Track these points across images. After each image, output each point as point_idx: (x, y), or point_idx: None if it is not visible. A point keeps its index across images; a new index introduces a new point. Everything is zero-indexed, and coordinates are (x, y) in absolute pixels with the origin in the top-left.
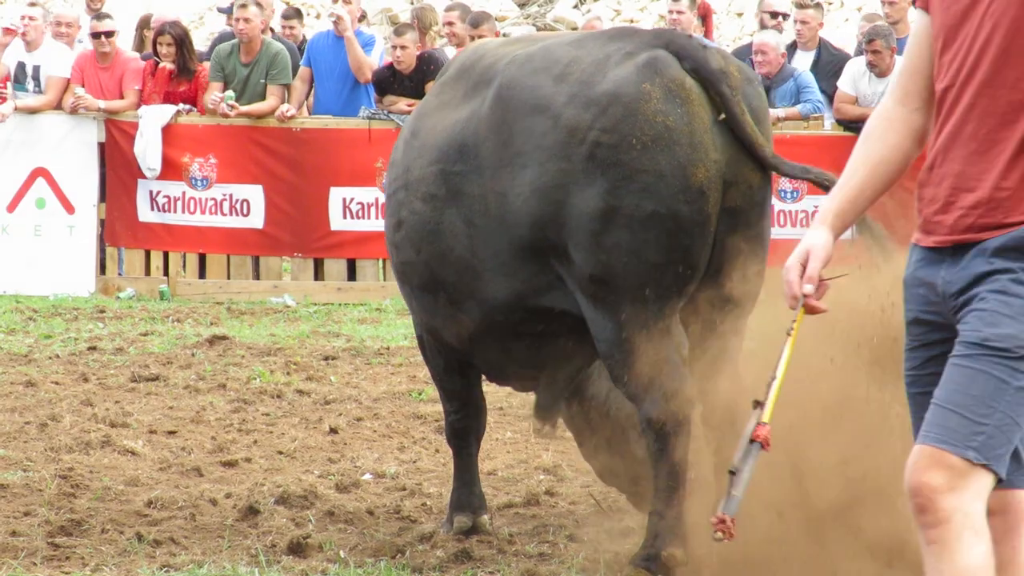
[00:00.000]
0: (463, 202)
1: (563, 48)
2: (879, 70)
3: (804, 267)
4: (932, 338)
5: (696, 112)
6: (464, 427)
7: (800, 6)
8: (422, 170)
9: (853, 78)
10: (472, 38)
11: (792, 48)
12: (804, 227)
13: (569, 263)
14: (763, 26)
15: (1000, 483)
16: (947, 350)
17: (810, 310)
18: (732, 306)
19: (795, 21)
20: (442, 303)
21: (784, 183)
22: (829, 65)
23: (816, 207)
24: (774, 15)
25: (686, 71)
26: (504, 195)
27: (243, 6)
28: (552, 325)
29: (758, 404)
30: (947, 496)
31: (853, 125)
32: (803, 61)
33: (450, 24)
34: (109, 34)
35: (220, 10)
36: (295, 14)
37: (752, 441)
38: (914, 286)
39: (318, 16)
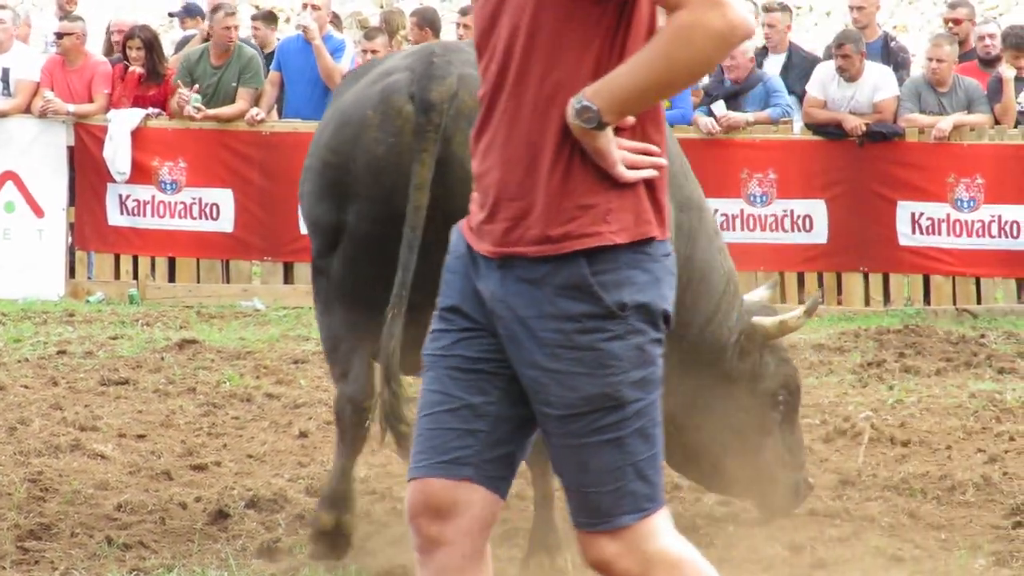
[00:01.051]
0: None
1: (385, 60)
2: (848, 74)
3: None
4: (465, 325)
5: (407, 142)
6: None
7: (767, 9)
8: (309, 157)
9: (822, 82)
10: (458, 26)
11: (764, 52)
12: (774, 231)
13: None
14: None
15: (473, 479)
16: (476, 336)
17: None
18: None
19: (762, 25)
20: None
21: (754, 187)
22: (800, 68)
23: (786, 211)
24: None
25: (410, 98)
26: None
27: (231, 14)
28: None
29: None
30: (639, 566)
31: (822, 129)
32: (774, 64)
33: (410, 30)
34: (60, 35)
35: (172, 15)
36: (266, 17)
37: None
38: (461, 275)
39: (287, 20)
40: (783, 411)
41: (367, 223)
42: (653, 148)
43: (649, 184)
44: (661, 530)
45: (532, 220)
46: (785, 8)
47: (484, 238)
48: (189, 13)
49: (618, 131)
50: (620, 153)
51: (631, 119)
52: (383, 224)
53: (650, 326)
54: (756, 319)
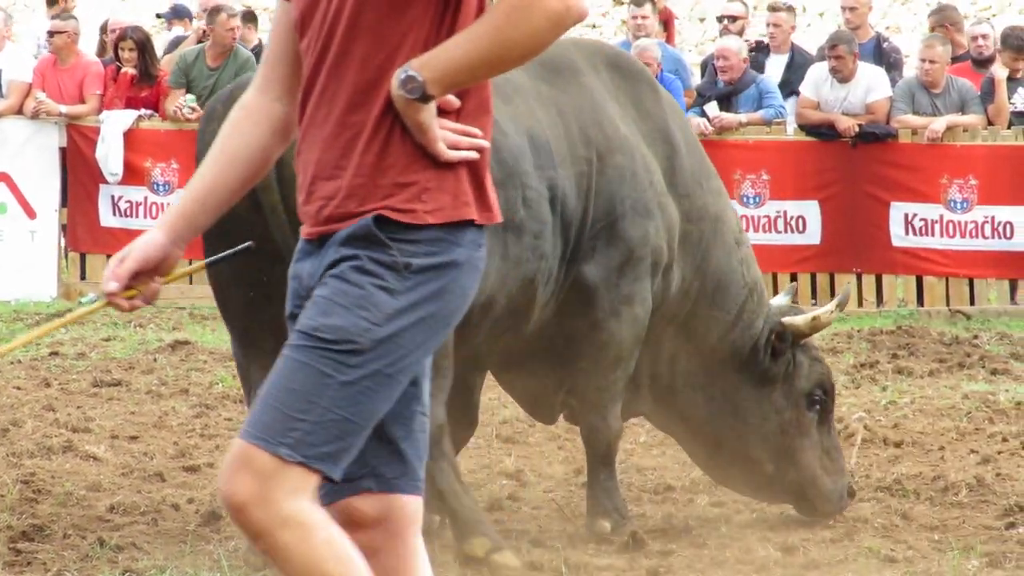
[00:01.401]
0: None
1: None
2: (841, 75)
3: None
4: None
5: None
6: None
7: (773, 9)
8: None
9: (815, 83)
10: None
11: (766, 52)
12: (767, 232)
13: None
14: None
15: (373, 488)
16: None
17: (117, 306)
18: None
19: (767, 24)
20: None
21: (747, 188)
22: (802, 69)
23: (779, 212)
24: (729, 19)
25: None
26: None
27: (233, 16)
28: None
29: None
30: (259, 504)
31: (815, 130)
32: (776, 64)
33: None
34: (52, 33)
35: (159, 16)
36: (246, 16)
37: None
38: (291, 279)
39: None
40: (819, 411)
41: (214, 226)
42: (474, 131)
43: (471, 167)
44: (305, 492)
45: (346, 198)
46: (790, 9)
47: (304, 220)
48: (177, 15)
49: (443, 114)
50: (442, 132)
51: (456, 101)
52: (226, 226)
53: (426, 309)
54: (786, 319)
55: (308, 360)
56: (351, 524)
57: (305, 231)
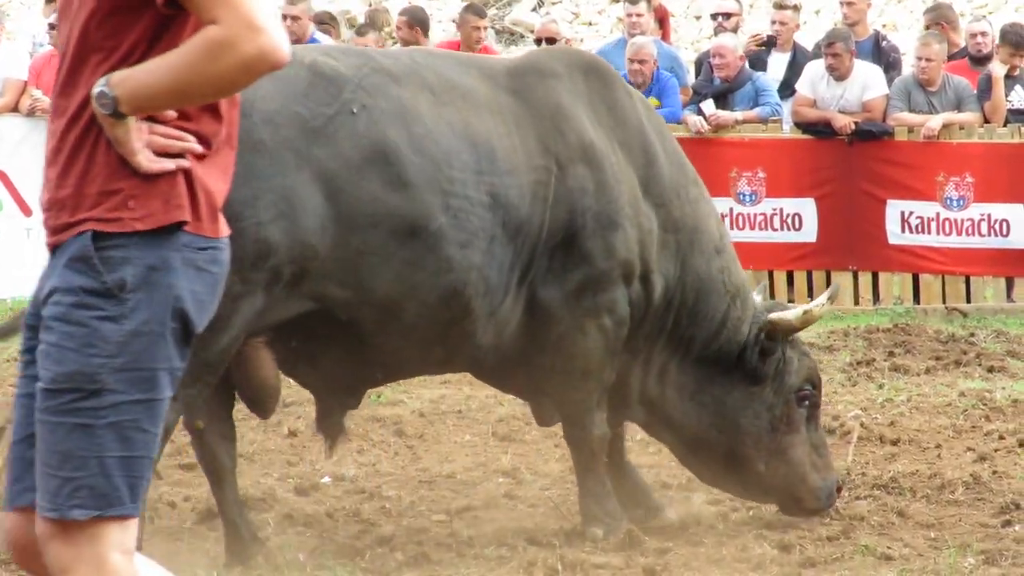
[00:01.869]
0: None
1: None
2: (838, 73)
3: None
4: (35, 344)
5: None
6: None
7: (779, 7)
8: None
9: (812, 81)
10: (476, 28)
11: (768, 49)
12: (763, 230)
13: None
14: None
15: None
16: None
17: None
18: None
19: (772, 22)
20: None
21: (743, 186)
22: (803, 66)
23: (775, 209)
24: (724, 15)
25: None
26: None
27: (293, 3)
28: None
29: None
30: (79, 567)
31: (811, 128)
32: (778, 62)
33: (399, 28)
34: (53, 26)
35: None
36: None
37: None
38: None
39: None
40: (808, 407)
41: None
42: (186, 136)
43: (188, 170)
44: (116, 541)
45: (60, 210)
46: (796, 7)
47: (45, 232)
48: None
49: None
50: (148, 138)
51: (171, 113)
52: None
53: (156, 321)
54: (776, 315)
55: (62, 419)
56: (15, 545)
57: (45, 242)
